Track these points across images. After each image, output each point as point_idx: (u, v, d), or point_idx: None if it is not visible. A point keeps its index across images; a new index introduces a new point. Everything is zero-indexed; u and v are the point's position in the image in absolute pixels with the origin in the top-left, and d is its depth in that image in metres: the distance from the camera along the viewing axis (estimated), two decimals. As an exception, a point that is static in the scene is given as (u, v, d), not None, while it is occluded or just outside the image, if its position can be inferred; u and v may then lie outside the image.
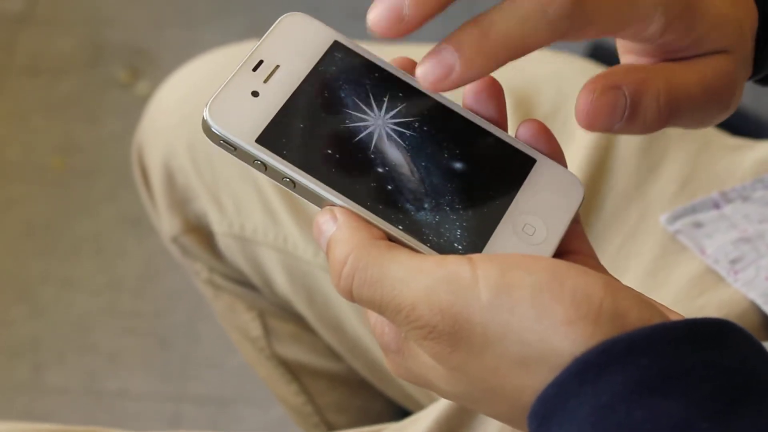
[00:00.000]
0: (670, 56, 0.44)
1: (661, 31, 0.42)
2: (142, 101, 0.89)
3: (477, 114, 0.45)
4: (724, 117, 0.46)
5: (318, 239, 0.42)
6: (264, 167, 0.43)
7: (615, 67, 0.43)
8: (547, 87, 0.72)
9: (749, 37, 0.46)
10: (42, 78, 1.58)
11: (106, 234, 1.43)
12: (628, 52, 0.46)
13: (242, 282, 0.82)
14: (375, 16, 0.40)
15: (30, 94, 1.56)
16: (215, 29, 1.64)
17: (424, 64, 0.40)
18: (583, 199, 0.45)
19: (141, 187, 0.84)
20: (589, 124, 0.43)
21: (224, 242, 0.78)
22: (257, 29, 1.62)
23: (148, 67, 1.59)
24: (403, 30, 0.40)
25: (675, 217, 0.64)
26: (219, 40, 1.60)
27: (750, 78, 0.48)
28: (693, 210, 0.65)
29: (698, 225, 0.64)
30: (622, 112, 0.42)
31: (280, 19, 0.45)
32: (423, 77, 0.40)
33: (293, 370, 0.84)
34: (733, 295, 0.61)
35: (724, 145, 0.69)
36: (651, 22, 0.42)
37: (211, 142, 0.43)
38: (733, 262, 0.62)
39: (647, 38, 0.43)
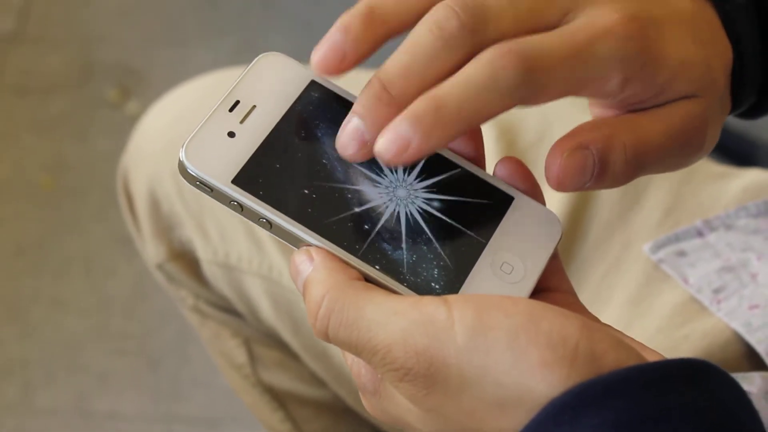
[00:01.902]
0: (635, 107, 0.44)
1: (620, 87, 0.42)
2: (132, 120, 0.89)
3: (454, 152, 0.45)
4: (698, 159, 0.46)
5: (295, 279, 0.42)
6: (240, 208, 0.43)
7: (581, 126, 0.43)
8: (532, 115, 0.72)
9: (720, 76, 0.45)
10: (32, 97, 1.58)
11: (96, 253, 1.43)
12: (593, 105, 0.46)
13: (227, 309, 0.82)
14: (318, 57, 0.42)
15: (20, 113, 1.56)
16: (206, 49, 1.64)
17: (382, 139, 0.40)
18: (561, 236, 0.45)
19: (126, 214, 0.83)
20: (560, 186, 0.43)
21: (209, 270, 0.78)
22: (248, 49, 1.62)
23: (138, 86, 1.59)
24: (344, 68, 0.42)
25: (658, 246, 0.64)
26: (210, 59, 1.62)
27: (730, 113, 0.48)
28: (676, 238, 0.65)
29: (681, 254, 0.64)
30: (591, 171, 0.42)
31: (256, 59, 0.45)
32: (381, 153, 0.40)
33: (279, 398, 0.83)
34: (716, 324, 0.61)
35: (708, 173, 0.69)
36: (609, 80, 0.42)
37: (188, 183, 0.43)
38: (716, 291, 0.62)
39: (608, 94, 0.43)
